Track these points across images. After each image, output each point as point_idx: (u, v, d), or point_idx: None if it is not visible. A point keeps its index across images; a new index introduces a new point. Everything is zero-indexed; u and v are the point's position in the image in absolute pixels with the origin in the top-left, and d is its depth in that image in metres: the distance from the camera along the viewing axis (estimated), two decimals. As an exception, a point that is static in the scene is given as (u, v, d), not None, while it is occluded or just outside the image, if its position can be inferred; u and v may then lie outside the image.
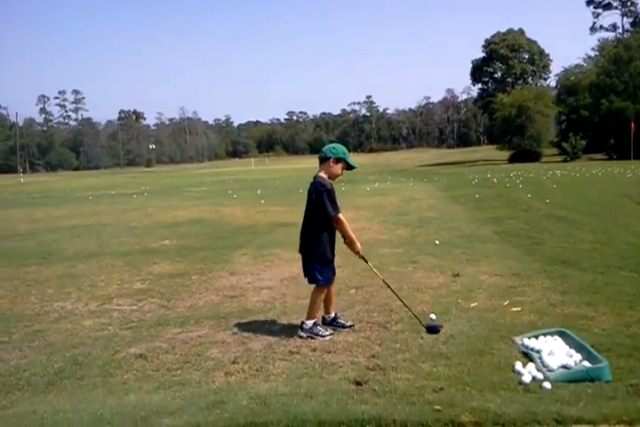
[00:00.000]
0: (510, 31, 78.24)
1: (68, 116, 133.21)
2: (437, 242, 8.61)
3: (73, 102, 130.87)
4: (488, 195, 16.76)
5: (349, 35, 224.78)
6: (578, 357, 3.71)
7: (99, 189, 31.83)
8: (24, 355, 4.49)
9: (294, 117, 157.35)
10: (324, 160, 4.68)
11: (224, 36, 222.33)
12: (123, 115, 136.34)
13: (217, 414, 3.21)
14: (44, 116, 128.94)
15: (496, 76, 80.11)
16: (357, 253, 4.72)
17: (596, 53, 62.73)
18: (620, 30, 72.00)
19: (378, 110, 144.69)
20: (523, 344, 4.04)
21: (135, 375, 3.95)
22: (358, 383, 3.55)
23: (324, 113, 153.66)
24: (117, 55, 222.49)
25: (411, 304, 4.84)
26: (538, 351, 3.87)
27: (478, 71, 79.81)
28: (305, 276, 4.76)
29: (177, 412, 3.27)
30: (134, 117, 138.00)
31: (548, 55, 79.27)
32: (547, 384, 3.36)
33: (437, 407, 3.13)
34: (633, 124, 43.01)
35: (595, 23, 75.29)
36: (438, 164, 60.66)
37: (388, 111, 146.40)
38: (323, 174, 4.66)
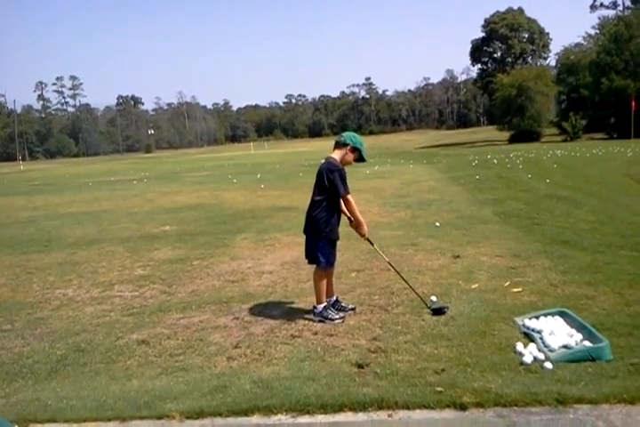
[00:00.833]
0: (510, 10, 77.31)
1: (66, 103, 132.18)
2: (438, 224, 8.61)
3: (71, 88, 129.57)
4: (488, 176, 16.70)
5: (347, 16, 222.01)
6: (578, 336, 3.72)
7: (98, 176, 31.80)
8: (27, 342, 4.51)
9: (293, 101, 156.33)
10: (341, 146, 4.70)
11: (221, 19, 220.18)
12: (121, 100, 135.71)
13: (220, 399, 3.23)
14: (41, 102, 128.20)
15: (496, 56, 79.29)
16: (363, 235, 4.72)
17: (597, 32, 61.99)
18: (621, 8, 70.97)
19: (377, 92, 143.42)
20: (524, 325, 4.06)
21: (138, 361, 3.97)
22: (360, 366, 3.57)
23: (322, 96, 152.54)
24: (114, 40, 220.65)
25: (412, 286, 4.84)
26: (539, 332, 3.88)
27: (478, 51, 79.00)
28: (306, 257, 4.76)
29: (180, 397, 3.30)
30: (132, 103, 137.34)
31: (547, 34, 78.47)
32: (548, 364, 3.38)
33: (439, 389, 3.15)
34: (633, 103, 42.62)
35: (595, 1, 74.29)
36: (438, 145, 60.44)
37: (387, 93, 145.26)
38: (336, 156, 4.67)
